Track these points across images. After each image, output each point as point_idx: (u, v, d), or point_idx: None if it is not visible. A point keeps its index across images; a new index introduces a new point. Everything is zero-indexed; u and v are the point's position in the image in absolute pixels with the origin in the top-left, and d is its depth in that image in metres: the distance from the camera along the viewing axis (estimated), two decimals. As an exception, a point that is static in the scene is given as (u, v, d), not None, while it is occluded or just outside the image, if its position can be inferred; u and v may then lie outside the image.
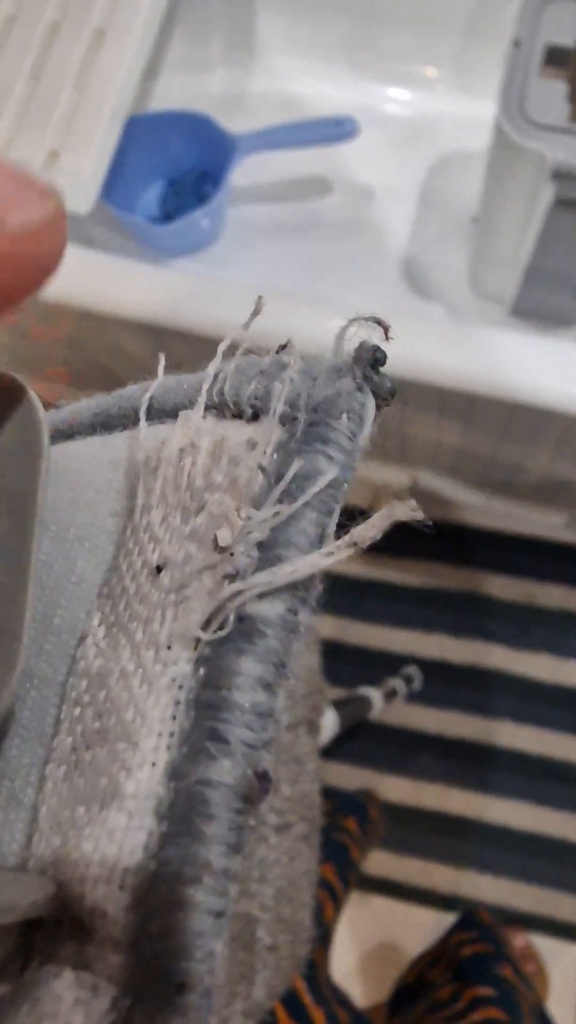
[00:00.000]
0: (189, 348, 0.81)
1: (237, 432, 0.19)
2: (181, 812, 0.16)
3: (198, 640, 0.18)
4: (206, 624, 0.18)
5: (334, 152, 1.03)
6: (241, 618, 0.17)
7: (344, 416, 0.18)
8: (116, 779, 0.17)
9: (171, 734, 0.17)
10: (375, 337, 0.19)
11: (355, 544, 0.18)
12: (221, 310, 0.74)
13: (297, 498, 0.18)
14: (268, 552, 0.17)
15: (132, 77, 0.83)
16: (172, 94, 1.09)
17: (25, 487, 0.19)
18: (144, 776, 0.17)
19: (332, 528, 0.18)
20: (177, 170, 1.07)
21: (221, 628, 0.17)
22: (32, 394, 0.19)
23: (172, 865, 0.16)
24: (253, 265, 1.04)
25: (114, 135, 0.82)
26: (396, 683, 1.14)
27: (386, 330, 0.20)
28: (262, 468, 0.18)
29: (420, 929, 1.08)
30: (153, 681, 0.18)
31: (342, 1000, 0.55)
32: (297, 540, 0.18)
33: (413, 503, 0.19)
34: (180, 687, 0.17)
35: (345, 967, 1.08)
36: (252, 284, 0.98)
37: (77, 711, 0.19)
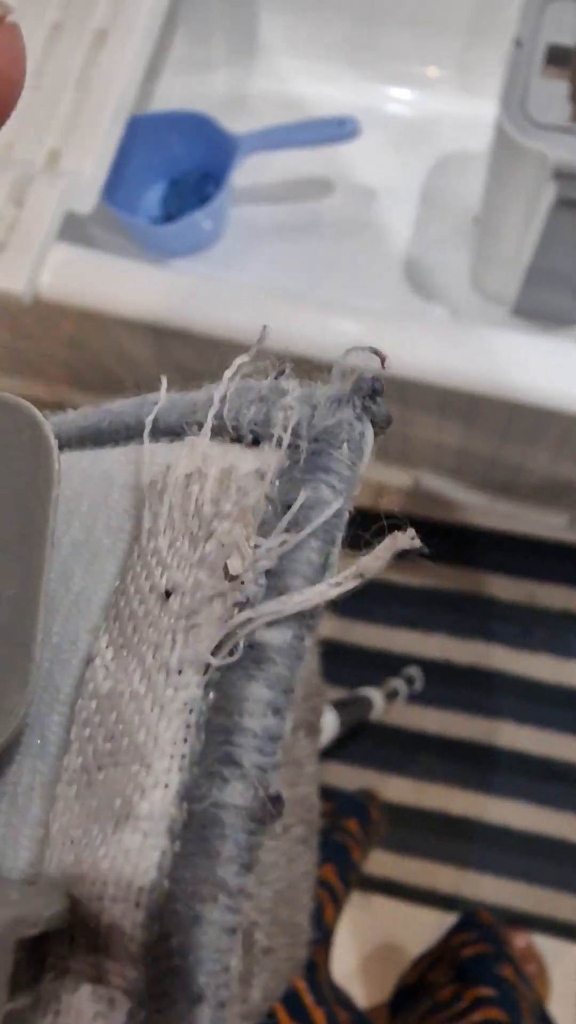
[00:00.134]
0: (191, 349, 0.81)
1: (241, 458, 0.20)
2: (196, 833, 0.17)
3: (208, 665, 0.18)
4: (216, 649, 0.18)
5: (335, 152, 1.03)
6: (251, 645, 0.18)
7: (345, 446, 0.19)
8: (130, 800, 0.18)
9: (183, 756, 0.18)
10: (373, 365, 0.20)
11: (361, 575, 0.19)
12: (222, 311, 0.75)
13: (303, 527, 0.18)
14: (275, 580, 0.18)
15: (134, 77, 0.83)
16: (174, 94, 1.09)
17: (37, 512, 0.19)
18: (158, 797, 0.17)
19: (336, 556, 0.19)
20: (179, 170, 1.07)
21: (231, 654, 0.18)
22: (44, 421, 0.20)
23: (188, 884, 0.16)
24: (254, 265, 1.04)
25: (116, 136, 0.82)
26: (397, 684, 1.14)
27: (383, 360, 0.20)
28: (269, 498, 0.19)
29: (421, 929, 1.08)
30: (165, 705, 0.18)
31: (343, 1001, 0.55)
32: (303, 569, 0.18)
33: (412, 532, 0.20)
34: (191, 711, 0.18)
35: (346, 967, 1.08)
36: (254, 284, 0.99)
37: (87, 731, 0.19)
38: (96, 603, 0.20)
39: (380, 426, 0.20)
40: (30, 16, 0.85)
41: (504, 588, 1.21)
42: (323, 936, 0.55)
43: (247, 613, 0.18)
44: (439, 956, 0.70)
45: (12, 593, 0.19)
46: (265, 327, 0.21)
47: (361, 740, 1.17)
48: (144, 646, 0.19)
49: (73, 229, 0.81)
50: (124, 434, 0.22)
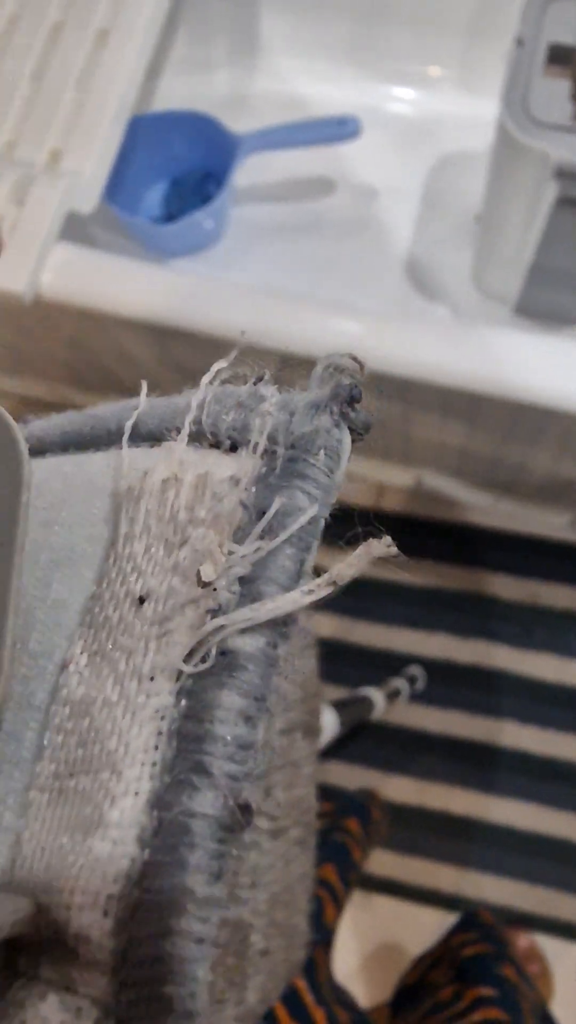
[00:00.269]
0: (191, 348, 0.81)
1: (218, 464, 0.20)
2: (165, 842, 0.16)
3: (180, 672, 0.18)
4: (188, 657, 0.18)
5: (337, 152, 1.03)
6: (223, 652, 0.18)
7: (322, 452, 0.19)
8: (100, 807, 0.18)
9: (153, 763, 0.17)
10: (352, 372, 0.20)
11: (334, 583, 0.18)
12: (223, 311, 0.74)
13: (277, 534, 0.18)
14: (249, 587, 0.18)
15: (135, 77, 0.83)
16: (175, 94, 1.09)
17: (4, 516, 0.19)
18: (128, 805, 0.17)
19: (310, 564, 0.19)
20: (180, 170, 1.07)
21: (203, 661, 0.18)
22: (13, 424, 0.20)
23: (157, 893, 0.16)
24: (256, 265, 1.04)
25: (117, 135, 0.82)
26: (399, 683, 1.14)
27: (361, 367, 0.20)
28: (243, 504, 0.19)
29: (423, 929, 1.07)
30: (136, 711, 0.18)
31: (344, 1001, 0.55)
32: (277, 576, 0.18)
33: (388, 539, 0.19)
34: (163, 718, 0.18)
35: (347, 967, 1.08)
36: (255, 284, 0.98)
37: (60, 738, 0.19)
38: (73, 609, 0.20)
39: (359, 433, 0.20)
40: (31, 16, 0.85)
41: (506, 588, 1.20)
42: (324, 936, 0.55)
43: (219, 620, 0.18)
44: (440, 956, 0.70)
45: None
46: (243, 332, 0.21)
47: (363, 739, 1.17)
48: (117, 652, 0.19)
49: (74, 229, 0.81)
50: (106, 439, 0.22)
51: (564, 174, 0.73)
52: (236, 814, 0.17)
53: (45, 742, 0.19)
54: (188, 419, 0.20)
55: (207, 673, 0.18)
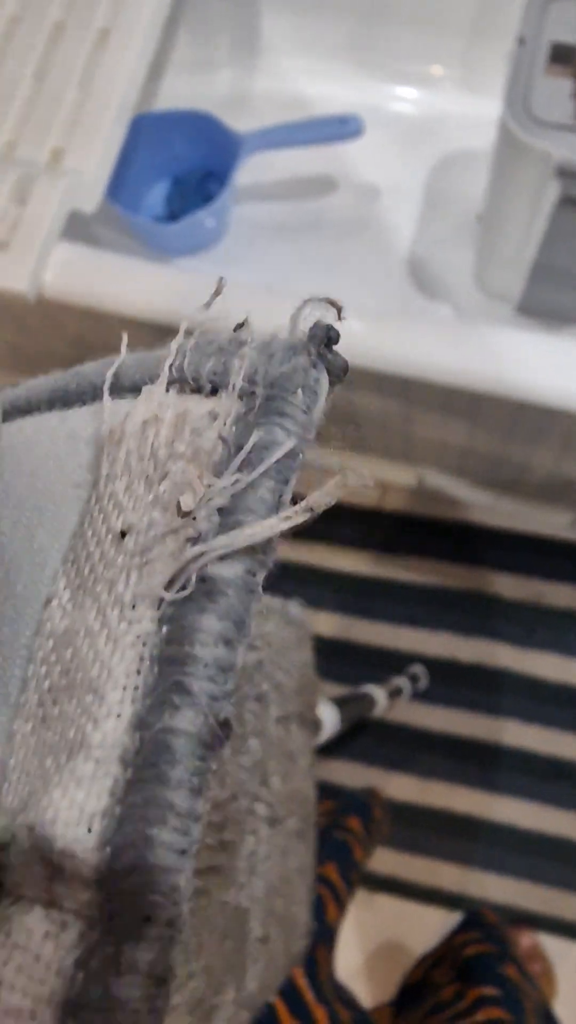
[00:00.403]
0: (194, 347, 0.81)
1: (198, 405, 0.20)
2: (146, 759, 0.17)
3: (162, 600, 0.18)
4: (169, 585, 0.18)
5: (339, 151, 1.03)
6: (203, 579, 0.18)
7: (299, 391, 0.19)
8: (83, 730, 0.18)
9: (135, 688, 0.18)
10: (329, 317, 0.20)
11: (311, 509, 0.19)
12: (225, 309, 0.74)
13: (256, 467, 0.18)
14: (228, 518, 0.18)
15: (137, 77, 0.83)
16: (177, 94, 1.09)
17: None
18: (110, 727, 0.18)
19: (288, 495, 0.19)
20: (182, 169, 1.07)
21: (183, 588, 0.18)
22: None
23: (138, 807, 0.17)
24: (258, 264, 1.04)
25: (119, 135, 0.82)
26: (401, 682, 1.14)
27: (339, 310, 0.20)
28: (223, 439, 0.19)
29: (426, 928, 1.07)
30: (118, 639, 0.19)
31: (346, 999, 0.55)
32: (256, 506, 0.18)
33: (365, 473, 0.20)
34: (144, 644, 0.18)
35: (350, 966, 1.08)
36: (257, 283, 0.98)
37: (44, 669, 0.20)
38: (57, 551, 0.21)
39: (336, 375, 0.20)
40: (33, 16, 0.85)
41: (508, 587, 1.20)
42: (326, 935, 0.55)
43: (199, 547, 0.18)
44: (442, 955, 0.70)
45: None
46: (221, 278, 0.21)
47: (365, 738, 1.17)
48: (100, 585, 0.19)
49: (77, 228, 0.81)
50: (91, 394, 0.22)
51: (566, 173, 0.73)
52: (216, 730, 0.17)
53: (29, 674, 0.20)
54: (167, 363, 0.21)
55: (188, 600, 0.18)
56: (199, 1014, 0.37)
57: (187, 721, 0.17)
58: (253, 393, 0.20)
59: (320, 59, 1.10)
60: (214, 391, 0.20)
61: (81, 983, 0.16)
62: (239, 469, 0.19)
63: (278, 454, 0.19)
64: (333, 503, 0.19)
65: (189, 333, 0.21)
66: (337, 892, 0.58)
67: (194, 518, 0.19)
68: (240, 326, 0.21)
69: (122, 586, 0.19)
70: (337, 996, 0.53)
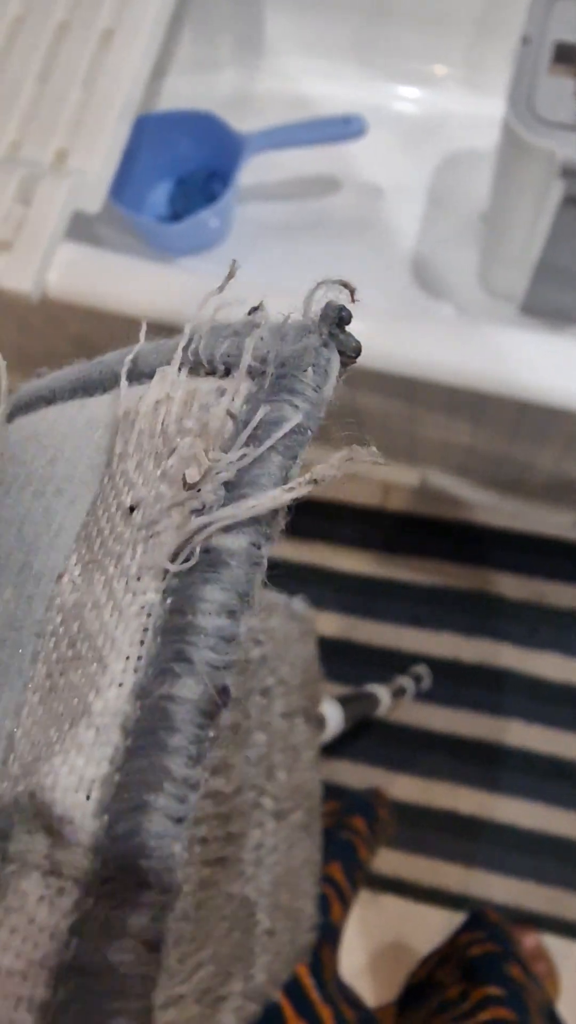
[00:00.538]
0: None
1: (208, 384, 0.20)
2: (146, 726, 0.17)
3: (166, 571, 0.19)
4: (175, 557, 0.18)
5: (342, 151, 1.03)
6: (207, 550, 0.18)
7: (310, 369, 0.19)
8: (86, 698, 0.18)
9: (139, 658, 0.18)
10: (342, 298, 0.20)
11: (315, 481, 0.19)
12: (229, 310, 0.74)
13: (264, 442, 0.19)
14: (235, 492, 0.18)
15: (140, 77, 0.83)
16: (180, 93, 1.09)
17: None
18: (112, 695, 0.18)
19: (296, 471, 0.19)
20: (185, 169, 1.07)
21: (188, 560, 0.18)
22: None
23: (136, 774, 0.17)
24: (261, 264, 1.04)
25: (122, 135, 0.82)
26: (405, 681, 1.14)
27: (352, 292, 0.21)
28: (231, 414, 0.19)
29: (430, 928, 1.07)
30: (123, 609, 0.19)
31: (351, 999, 0.55)
32: (262, 481, 0.18)
33: (374, 449, 0.20)
34: (148, 615, 0.18)
35: (354, 966, 1.08)
36: (260, 283, 0.98)
37: (52, 642, 0.20)
38: (72, 530, 0.21)
39: (348, 355, 0.20)
40: (37, 16, 0.85)
41: (512, 587, 1.20)
42: (331, 934, 0.55)
43: (203, 519, 0.18)
44: (447, 955, 0.70)
45: None
46: (234, 261, 0.22)
47: (369, 738, 1.17)
48: (108, 559, 0.20)
49: (80, 228, 0.81)
50: (112, 381, 0.23)
51: (570, 173, 0.73)
52: (215, 699, 0.17)
53: (39, 648, 0.20)
54: (181, 344, 0.21)
55: (192, 571, 0.18)
56: (206, 1004, 0.37)
57: (187, 689, 0.17)
58: (264, 372, 0.20)
59: (323, 59, 1.10)
60: (227, 372, 0.21)
61: (75, 947, 0.16)
62: (246, 444, 0.19)
63: (285, 429, 0.19)
64: (339, 476, 0.19)
65: (203, 315, 0.22)
66: (342, 892, 0.58)
67: (199, 491, 0.19)
68: (255, 309, 0.21)
69: (129, 559, 0.19)
70: (342, 996, 0.53)
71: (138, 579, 0.19)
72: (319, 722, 0.51)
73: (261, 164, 1.02)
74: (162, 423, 0.20)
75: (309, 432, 0.19)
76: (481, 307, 1.00)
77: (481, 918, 0.74)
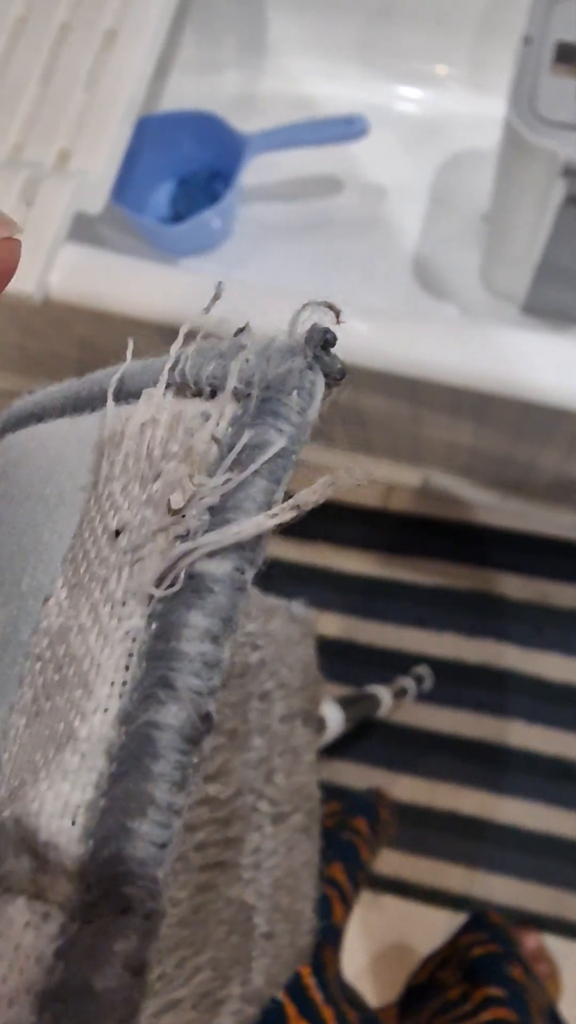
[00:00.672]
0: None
1: (193, 407, 0.20)
2: (130, 752, 0.17)
3: (151, 597, 0.19)
4: (159, 582, 0.19)
5: (345, 151, 1.03)
6: (191, 576, 0.18)
7: (294, 393, 0.19)
8: (72, 723, 0.18)
9: (123, 683, 0.18)
10: (327, 321, 0.20)
11: (298, 507, 0.19)
12: (232, 310, 0.75)
13: (248, 467, 0.19)
14: (219, 516, 0.19)
15: (143, 78, 0.83)
16: (183, 94, 1.09)
17: None
18: (97, 721, 0.18)
19: (280, 495, 0.19)
20: (188, 170, 1.07)
21: (172, 585, 0.18)
22: None
23: (120, 800, 0.17)
24: (264, 264, 1.04)
25: (125, 136, 0.82)
26: (406, 682, 1.13)
27: (337, 314, 0.21)
28: (216, 439, 0.19)
29: (432, 929, 1.07)
30: (109, 634, 0.19)
31: (353, 1000, 0.55)
32: (246, 505, 0.18)
33: (359, 471, 0.20)
34: (133, 640, 0.19)
35: (356, 967, 1.08)
36: (263, 283, 0.99)
37: (39, 666, 0.20)
38: (60, 551, 0.21)
39: (333, 377, 0.20)
40: (39, 17, 0.85)
41: (515, 587, 1.20)
42: (333, 935, 0.55)
43: (187, 544, 0.18)
44: (448, 956, 0.70)
45: None
46: (220, 283, 0.22)
47: (371, 739, 1.17)
48: (94, 583, 0.20)
49: (83, 229, 0.81)
50: (101, 400, 0.23)
51: (572, 173, 0.73)
52: (198, 725, 0.17)
53: (24, 671, 0.20)
54: (167, 366, 0.21)
55: (176, 596, 0.18)
56: (204, 1008, 0.37)
57: (171, 716, 0.17)
58: (249, 395, 0.20)
59: (326, 59, 1.10)
60: (213, 394, 0.21)
61: (60, 973, 0.17)
62: (230, 468, 0.19)
63: (269, 453, 0.19)
64: (321, 501, 0.20)
65: (191, 336, 0.22)
66: (344, 892, 0.58)
67: (184, 516, 0.19)
68: (241, 330, 0.21)
69: (114, 583, 0.20)
70: (344, 996, 0.53)
71: (123, 604, 0.19)
72: (319, 724, 0.51)
73: (263, 164, 1.02)
74: (148, 446, 0.21)
75: (293, 456, 0.19)
76: (483, 307, 1.00)
77: (482, 919, 0.74)
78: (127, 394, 0.22)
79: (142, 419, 0.21)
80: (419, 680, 1.16)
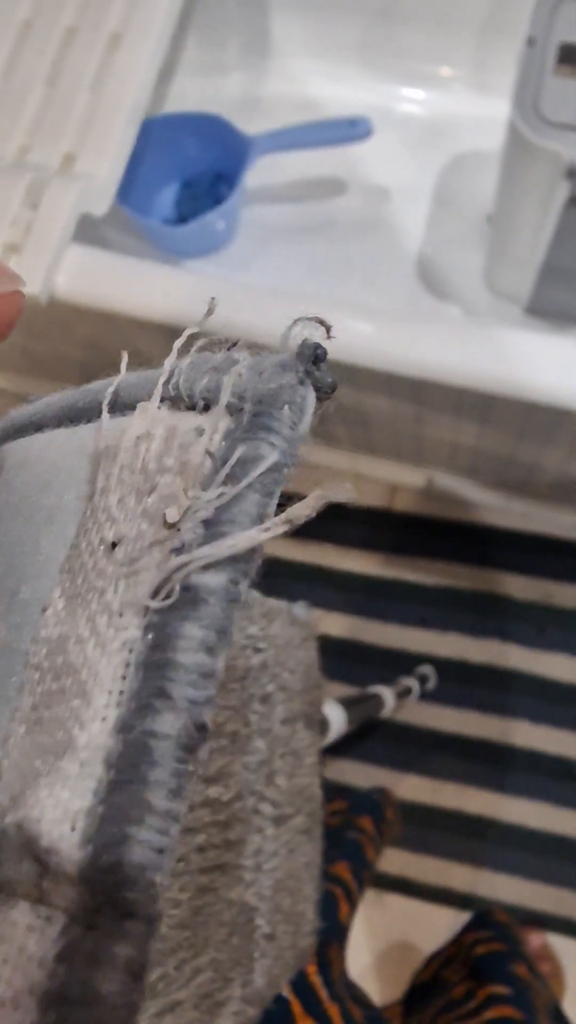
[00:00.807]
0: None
1: (187, 421, 0.21)
2: (128, 760, 0.18)
3: (147, 608, 0.19)
4: (155, 594, 0.19)
5: (348, 153, 1.03)
6: (187, 588, 0.19)
7: (286, 407, 0.20)
8: (71, 732, 0.19)
9: (121, 692, 0.19)
10: (318, 336, 0.21)
11: (290, 521, 0.19)
12: (236, 311, 0.75)
13: (241, 481, 0.19)
14: (213, 529, 0.19)
15: (148, 80, 0.83)
16: (187, 96, 1.09)
17: None
18: (96, 729, 0.19)
19: (272, 508, 0.20)
20: (192, 172, 1.07)
21: (168, 597, 0.19)
22: None
23: (119, 807, 0.17)
24: (268, 266, 1.04)
25: (130, 138, 0.83)
26: (410, 682, 1.14)
27: (328, 329, 0.21)
28: (210, 453, 0.20)
29: (436, 928, 1.08)
30: (106, 645, 0.19)
31: (358, 998, 0.55)
32: (240, 519, 0.19)
33: (349, 485, 0.20)
34: (130, 651, 0.19)
35: (361, 965, 1.08)
36: (267, 285, 0.99)
37: (37, 675, 0.21)
38: (58, 561, 0.22)
39: (324, 391, 0.21)
40: (45, 21, 0.86)
41: (519, 587, 1.20)
42: (338, 933, 0.55)
43: (182, 557, 0.19)
44: (453, 954, 0.70)
45: None
46: (213, 298, 0.22)
47: (376, 738, 1.17)
48: (91, 594, 0.20)
49: (88, 230, 0.82)
50: (97, 411, 0.23)
51: (575, 174, 0.73)
52: (194, 734, 0.18)
53: (24, 679, 0.21)
54: (161, 380, 0.22)
55: (172, 608, 0.19)
56: (205, 1009, 0.37)
57: (167, 725, 0.18)
58: (242, 409, 0.20)
59: (329, 61, 1.11)
60: (207, 408, 0.21)
61: (62, 975, 0.17)
62: (224, 482, 0.19)
63: (263, 467, 0.19)
64: (313, 515, 0.20)
65: (190, 341, 0.22)
66: (349, 891, 0.58)
67: (179, 529, 0.19)
68: (233, 345, 0.22)
69: (111, 595, 0.20)
70: (349, 994, 0.53)
71: (120, 615, 0.20)
72: (321, 726, 0.51)
73: (267, 166, 1.02)
74: (143, 459, 0.21)
75: (285, 470, 0.20)
76: (486, 308, 1.00)
77: (487, 917, 0.74)
78: (122, 406, 0.23)
79: (137, 432, 0.21)
80: (423, 680, 1.16)
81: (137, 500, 0.21)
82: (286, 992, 0.44)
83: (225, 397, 0.20)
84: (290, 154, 1.02)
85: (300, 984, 0.46)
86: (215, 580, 0.18)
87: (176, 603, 0.19)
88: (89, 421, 0.24)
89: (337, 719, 0.94)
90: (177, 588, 0.19)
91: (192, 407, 0.21)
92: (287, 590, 0.49)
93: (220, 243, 1.05)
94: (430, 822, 1.15)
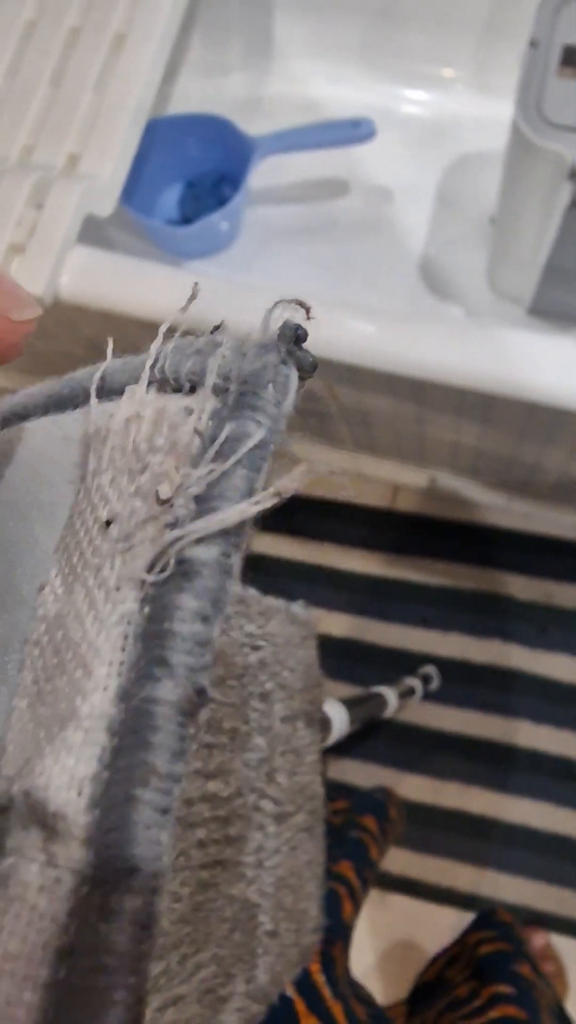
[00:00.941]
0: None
1: (175, 402, 0.22)
2: (130, 726, 0.19)
3: (143, 582, 0.20)
4: (150, 568, 0.20)
5: (351, 154, 1.04)
6: (181, 561, 0.19)
7: (270, 386, 0.21)
8: (73, 703, 0.20)
9: (121, 663, 0.20)
10: (298, 317, 0.22)
11: (278, 494, 0.20)
12: (239, 312, 0.75)
13: (229, 457, 0.20)
14: (204, 504, 0.20)
15: (152, 81, 0.84)
16: (191, 97, 1.09)
17: None
18: (97, 699, 0.19)
19: (261, 483, 0.20)
20: (195, 173, 1.07)
21: (163, 570, 0.19)
22: None
23: (123, 770, 0.18)
24: (271, 267, 1.05)
25: (134, 139, 0.83)
26: (413, 682, 1.14)
27: (307, 310, 0.22)
28: (198, 432, 0.21)
29: (439, 928, 1.08)
30: (104, 619, 0.20)
31: (362, 996, 0.55)
32: (229, 493, 0.20)
33: (332, 462, 0.21)
34: (128, 623, 0.20)
35: (364, 964, 1.08)
36: (270, 285, 0.99)
37: (37, 651, 0.21)
38: (50, 544, 0.23)
39: (305, 371, 0.21)
40: (49, 22, 0.86)
41: (521, 587, 1.21)
42: (342, 932, 0.55)
43: (176, 532, 0.19)
44: (457, 954, 0.70)
45: None
46: (196, 283, 0.23)
47: (379, 738, 1.17)
48: (87, 571, 0.21)
49: (92, 231, 0.82)
50: (83, 398, 0.24)
51: (579, 175, 0.73)
52: (193, 699, 0.19)
53: (24, 656, 0.22)
54: (147, 364, 0.22)
55: (167, 581, 0.19)
56: (207, 1004, 0.38)
57: (167, 691, 0.18)
58: (227, 390, 0.21)
59: (332, 62, 1.11)
60: (193, 390, 0.22)
61: (74, 930, 0.18)
62: (213, 460, 0.20)
63: (249, 444, 0.20)
64: (300, 488, 0.21)
65: (171, 333, 0.23)
66: (353, 890, 0.58)
67: (171, 505, 0.20)
68: (216, 328, 0.22)
69: (107, 571, 0.21)
70: (353, 992, 0.53)
71: (117, 589, 0.20)
72: (322, 725, 0.51)
73: (271, 167, 1.03)
74: (133, 441, 0.22)
75: (271, 446, 0.21)
76: (489, 309, 1.00)
77: (491, 917, 0.74)
78: (109, 391, 0.23)
79: (126, 415, 0.22)
80: (426, 680, 1.16)
81: (130, 479, 0.21)
82: (289, 990, 0.44)
83: (211, 378, 0.21)
84: (293, 155, 1.02)
85: (304, 982, 0.46)
86: (208, 553, 0.19)
87: (171, 576, 0.19)
88: (75, 407, 0.24)
89: (339, 719, 0.94)
90: (172, 562, 0.19)
91: (178, 389, 0.22)
92: (289, 590, 0.49)
93: (223, 244, 1.05)
94: (433, 822, 1.15)
